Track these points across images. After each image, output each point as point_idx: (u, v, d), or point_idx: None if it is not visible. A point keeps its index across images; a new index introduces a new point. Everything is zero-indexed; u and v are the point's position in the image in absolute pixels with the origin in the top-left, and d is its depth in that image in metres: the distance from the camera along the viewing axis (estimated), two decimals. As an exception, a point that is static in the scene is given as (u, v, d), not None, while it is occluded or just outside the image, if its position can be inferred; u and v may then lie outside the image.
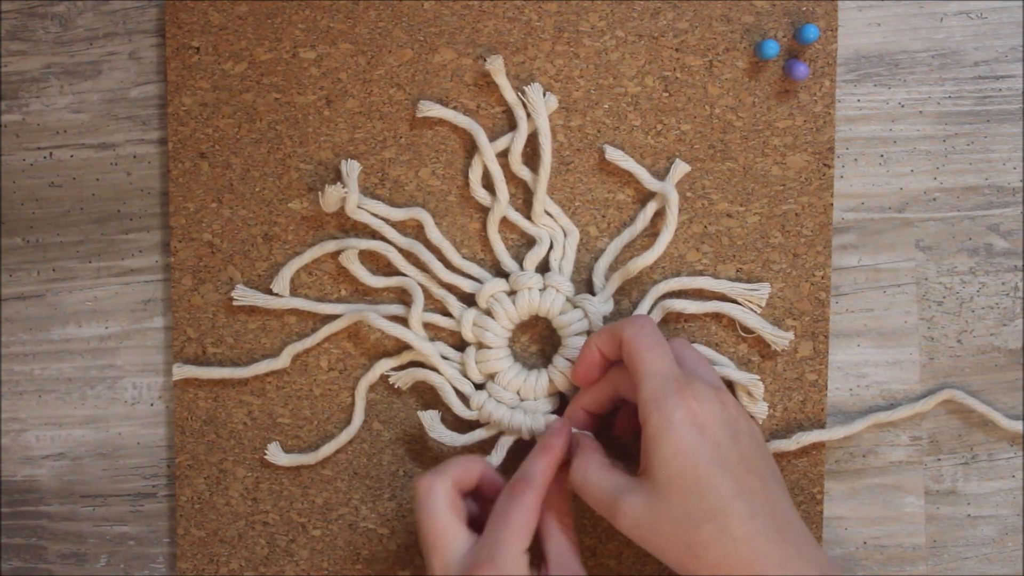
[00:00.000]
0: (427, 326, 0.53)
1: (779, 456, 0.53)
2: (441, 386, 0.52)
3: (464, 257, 0.53)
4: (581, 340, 0.51)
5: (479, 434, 0.52)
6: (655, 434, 0.44)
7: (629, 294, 0.53)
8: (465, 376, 0.52)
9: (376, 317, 0.52)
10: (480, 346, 0.52)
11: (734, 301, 0.52)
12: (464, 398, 0.53)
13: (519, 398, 0.52)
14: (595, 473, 0.46)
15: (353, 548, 0.55)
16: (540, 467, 0.47)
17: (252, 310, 0.54)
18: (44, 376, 0.56)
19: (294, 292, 0.53)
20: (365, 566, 0.55)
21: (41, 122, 0.55)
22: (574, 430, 0.49)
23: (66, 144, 0.55)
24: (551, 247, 0.52)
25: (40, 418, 0.56)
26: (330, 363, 0.54)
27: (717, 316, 0.52)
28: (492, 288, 0.51)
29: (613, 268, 0.52)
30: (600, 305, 0.51)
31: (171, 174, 0.53)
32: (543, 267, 0.52)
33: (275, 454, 0.54)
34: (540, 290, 0.51)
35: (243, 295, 0.53)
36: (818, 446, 0.53)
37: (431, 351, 0.52)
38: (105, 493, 0.56)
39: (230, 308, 0.54)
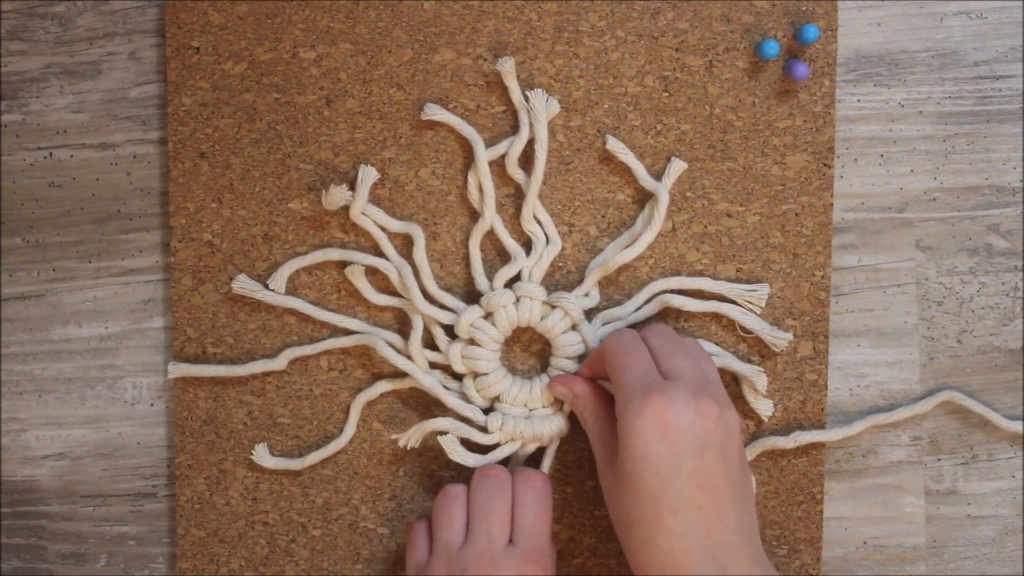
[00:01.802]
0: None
1: (779, 456, 0.53)
2: (453, 428, 0.52)
3: (459, 262, 0.53)
4: (570, 338, 0.51)
5: (501, 452, 0.52)
6: (621, 434, 0.45)
7: (629, 294, 0.52)
8: (470, 402, 0.52)
9: (383, 346, 0.51)
10: (475, 375, 0.52)
11: (733, 302, 0.52)
12: (475, 423, 0.53)
13: (527, 410, 0.52)
14: (596, 423, 0.49)
15: (353, 548, 0.55)
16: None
17: (252, 310, 0.54)
18: (44, 376, 0.56)
19: (293, 292, 0.53)
20: (365, 566, 0.55)
21: (41, 122, 0.55)
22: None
23: (66, 144, 0.55)
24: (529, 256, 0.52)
25: (40, 418, 0.56)
26: (330, 363, 0.54)
27: (717, 315, 0.52)
28: (468, 318, 0.51)
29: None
30: (577, 300, 0.51)
31: (171, 174, 0.53)
32: (515, 278, 0.52)
33: (262, 456, 0.54)
34: (514, 304, 0.51)
35: (243, 285, 0.53)
36: (818, 446, 0.53)
37: (433, 384, 0.52)
38: (105, 493, 0.56)
39: (230, 308, 0.54)
